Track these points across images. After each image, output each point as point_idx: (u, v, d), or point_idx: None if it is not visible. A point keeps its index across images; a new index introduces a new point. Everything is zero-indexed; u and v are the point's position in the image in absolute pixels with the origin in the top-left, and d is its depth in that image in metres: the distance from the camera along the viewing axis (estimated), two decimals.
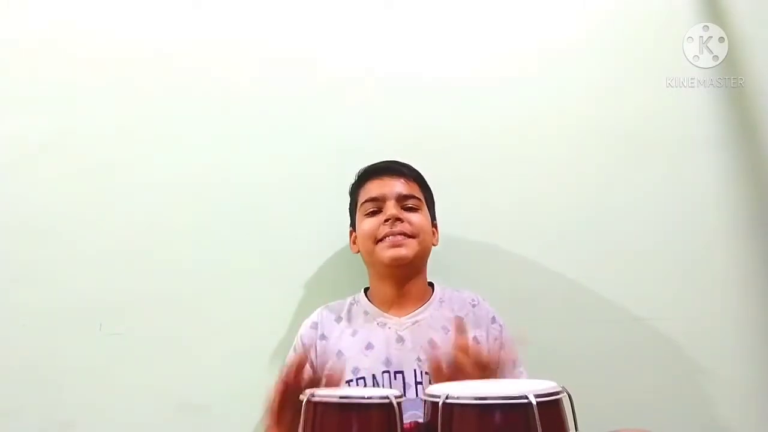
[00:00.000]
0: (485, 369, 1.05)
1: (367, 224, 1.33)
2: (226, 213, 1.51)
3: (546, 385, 0.83)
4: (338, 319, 1.34)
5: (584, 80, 1.65)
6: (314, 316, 1.36)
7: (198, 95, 1.55)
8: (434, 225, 1.40)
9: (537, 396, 0.79)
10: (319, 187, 1.54)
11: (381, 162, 1.40)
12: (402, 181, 1.36)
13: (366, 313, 1.34)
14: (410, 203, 1.34)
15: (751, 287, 1.55)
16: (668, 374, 1.51)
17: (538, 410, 0.77)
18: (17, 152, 1.47)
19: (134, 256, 1.47)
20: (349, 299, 1.39)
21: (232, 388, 1.41)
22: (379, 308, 1.34)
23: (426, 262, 1.38)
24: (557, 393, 0.83)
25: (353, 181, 1.42)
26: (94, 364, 1.41)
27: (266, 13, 1.60)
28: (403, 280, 1.33)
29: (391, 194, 1.33)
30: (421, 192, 1.38)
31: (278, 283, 1.49)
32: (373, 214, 1.33)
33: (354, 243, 1.40)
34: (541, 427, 0.77)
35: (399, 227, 1.30)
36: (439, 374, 1.07)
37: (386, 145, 1.53)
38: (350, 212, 1.42)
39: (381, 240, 1.30)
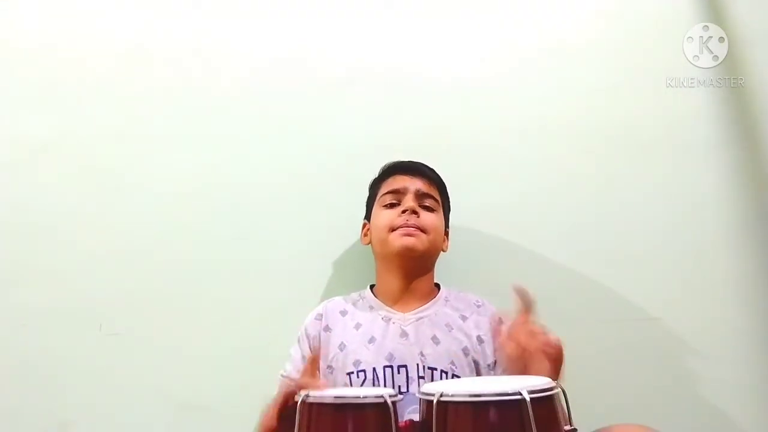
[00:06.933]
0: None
1: (384, 215, 1.35)
2: (226, 213, 1.52)
3: (539, 382, 0.83)
4: (343, 312, 1.35)
5: (584, 80, 1.65)
6: (319, 308, 1.37)
7: (199, 95, 1.56)
8: (446, 232, 1.42)
9: (530, 392, 0.79)
10: (319, 188, 1.55)
11: (407, 161, 1.43)
12: (424, 180, 1.38)
13: (371, 307, 1.35)
14: (428, 203, 1.36)
15: (751, 287, 1.54)
16: (668, 374, 1.50)
17: (532, 406, 0.77)
18: (17, 152, 1.48)
19: (134, 256, 1.47)
20: (355, 294, 1.40)
21: (232, 388, 1.42)
22: (384, 303, 1.35)
23: (434, 262, 1.39)
24: (551, 389, 0.83)
25: (376, 176, 1.44)
26: (94, 364, 1.42)
27: (268, 11, 1.61)
28: (410, 275, 1.34)
29: (412, 189, 1.36)
30: (439, 196, 1.40)
31: (278, 284, 1.49)
32: (391, 206, 1.35)
33: (365, 235, 1.42)
34: (535, 423, 0.77)
35: (414, 220, 1.32)
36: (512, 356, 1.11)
37: (389, 145, 1.53)
38: (367, 205, 1.44)
39: (395, 230, 1.32)
